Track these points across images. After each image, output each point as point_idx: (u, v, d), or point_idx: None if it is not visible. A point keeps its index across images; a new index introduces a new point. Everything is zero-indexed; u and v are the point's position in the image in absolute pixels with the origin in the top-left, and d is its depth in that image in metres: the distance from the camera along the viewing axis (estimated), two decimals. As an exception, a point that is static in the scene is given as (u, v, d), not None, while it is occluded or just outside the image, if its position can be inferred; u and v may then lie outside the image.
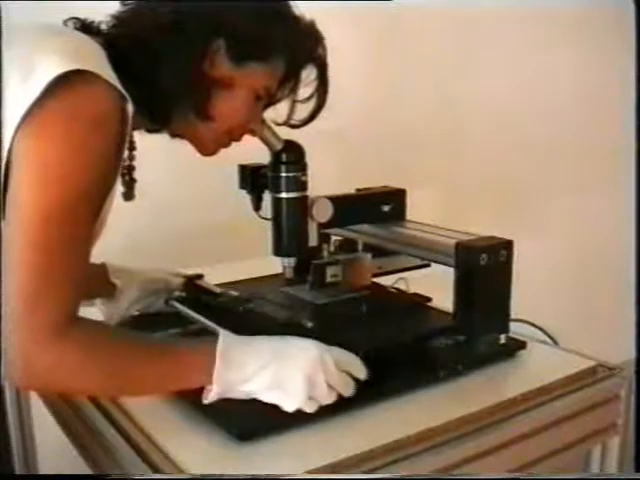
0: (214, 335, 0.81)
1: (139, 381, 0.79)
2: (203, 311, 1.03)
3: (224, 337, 0.80)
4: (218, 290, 1.12)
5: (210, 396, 0.79)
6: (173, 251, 1.54)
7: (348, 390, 0.83)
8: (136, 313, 1.11)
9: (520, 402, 0.92)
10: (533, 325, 1.14)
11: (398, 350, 0.94)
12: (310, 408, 0.81)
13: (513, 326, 1.00)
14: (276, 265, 1.03)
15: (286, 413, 0.81)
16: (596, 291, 2.32)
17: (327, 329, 0.95)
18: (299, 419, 0.83)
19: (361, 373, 0.84)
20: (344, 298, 1.10)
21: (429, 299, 1.14)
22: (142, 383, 0.79)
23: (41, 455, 1.34)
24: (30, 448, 1.33)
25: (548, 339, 1.13)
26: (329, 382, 0.81)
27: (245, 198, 1.07)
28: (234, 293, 1.10)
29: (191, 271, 1.17)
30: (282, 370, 0.79)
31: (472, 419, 0.87)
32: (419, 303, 1.13)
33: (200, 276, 1.16)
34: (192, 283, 1.14)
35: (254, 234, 1.05)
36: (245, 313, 1.05)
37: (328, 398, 0.81)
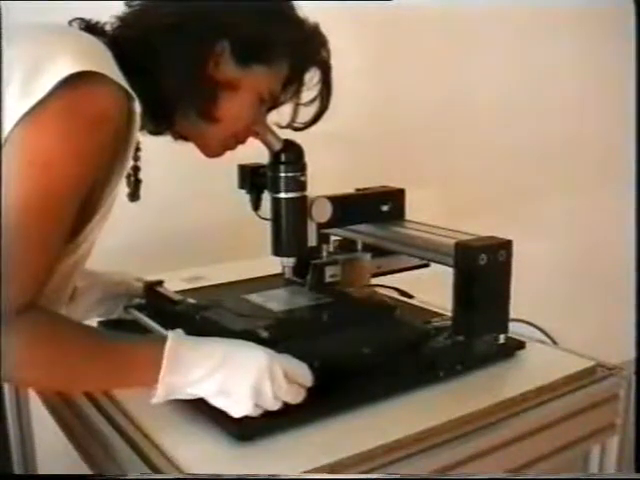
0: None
1: (83, 376, 0.78)
2: (161, 319, 1.00)
3: (173, 337, 0.79)
4: (177, 297, 1.08)
5: (155, 397, 0.78)
6: (172, 251, 1.55)
7: (296, 399, 0.82)
8: (96, 318, 1.07)
9: (519, 402, 0.92)
10: (532, 325, 1.14)
11: (350, 363, 0.91)
12: (255, 413, 0.80)
13: (512, 326, 1.00)
14: (275, 265, 1.04)
15: (286, 413, 0.81)
16: (596, 291, 2.32)
17: (282, 338, 0.92)
18: (299, 419, 0.83)
19: (308, 382, 0.83)
20: (304, 306, 1.08)
21: (394, 307, 1.11)
22: (86, 378, 0.78)
23: (40, 455, 1.34)
24: (29, 448, 1.33)
25: (547, 339, 1.13)
26: (275, 393, 0.80)
27: (244, 198, 1.07)
28: (192, 301, 1.06)
29: (191, 271, 1.16)
30: (229, 378, 0.78)
31: (472, 419, 0.88)
32: (384, 309, 1.10)
33: (160, 282, 1.11)
34: (152, 290, 1.10)
35: (253, 234, 1.04)
36: (201, 321, 1.01)
37: (273, 406, 0.80)
